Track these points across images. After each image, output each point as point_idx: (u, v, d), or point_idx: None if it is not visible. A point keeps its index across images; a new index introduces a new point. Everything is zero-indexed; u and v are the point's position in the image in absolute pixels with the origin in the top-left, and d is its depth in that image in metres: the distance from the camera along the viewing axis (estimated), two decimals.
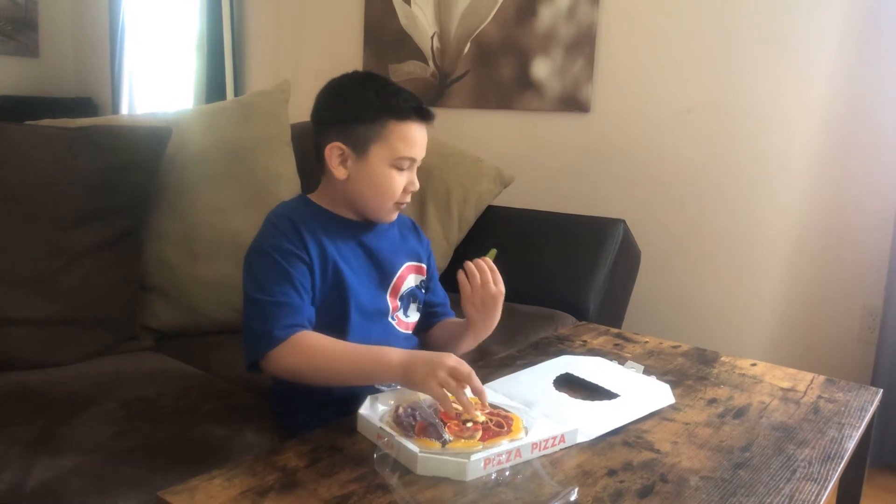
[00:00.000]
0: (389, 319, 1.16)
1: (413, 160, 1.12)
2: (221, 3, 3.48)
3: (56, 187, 1.33)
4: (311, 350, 1.00)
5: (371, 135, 1.08)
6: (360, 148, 1.09)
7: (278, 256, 1.05)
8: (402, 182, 1.12)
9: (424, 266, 1.24)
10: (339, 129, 1.10)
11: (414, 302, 1.21)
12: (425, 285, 1.24)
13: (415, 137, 1.10)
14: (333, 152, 1.10)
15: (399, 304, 1.18)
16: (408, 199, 1.14)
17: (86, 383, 1.21)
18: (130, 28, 3.97)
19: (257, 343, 1.01)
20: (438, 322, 1.26)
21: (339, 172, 1.11)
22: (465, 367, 0.92)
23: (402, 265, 1.19)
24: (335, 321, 1.09)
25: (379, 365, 0.97)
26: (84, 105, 4.26)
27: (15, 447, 0.98)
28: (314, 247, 1.08)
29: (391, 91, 1.11)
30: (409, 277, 1.20)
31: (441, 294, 1.29)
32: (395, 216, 1.17)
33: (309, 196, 1.18)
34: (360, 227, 1.16)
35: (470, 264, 1.09)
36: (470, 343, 1.19)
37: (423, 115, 1.11)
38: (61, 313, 1.33)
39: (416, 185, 1.14)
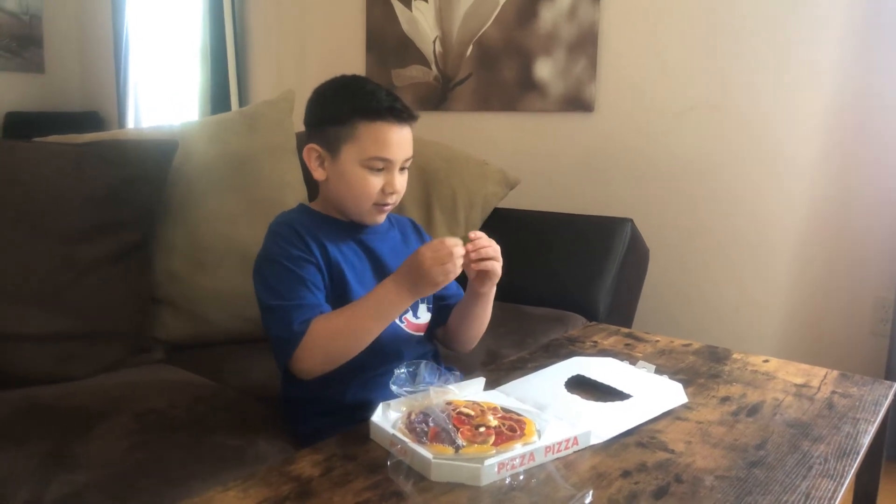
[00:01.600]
0: (398, 322, 1.16)
1: (387, 161, 1.09)
2: (224, 14, 3.50)
3: (64, 202, 1.34)
4: (330, 329, 1.02)
5: (342, 135, 1.09)
6: (332, 149, 1.10)
7: (288, 263, 1.07)
8: (378, 183, 1.10)
9: None
10: (316, 131, 1.13)
11: (423, 302, 1.20)
12: None
13: (387, 138, 1.08)
14: (311, 154, 1.13)
15: None
16: (389, 200, 1.12)
17: (98, 397, 1.22)
18: (134, 41, 3.99)
19: (285, 346, 1.03)
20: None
21: (318, 174, 1.13)
22: (442, 247, 0.98)
23: None
24: None
25: (387, 303, 1.02)
26: (90, 119, 4.29)
27: (30, 463, 0.98)
28: (317, 249, 1.10)
29: (365, 92, 1.10)
30: None
31: (453, 286, 1.26)
32: (380, 218, 1.16)
33: (308, 204, 1.20)
34: (358, 229, 1.17)
35: (483, 257, 1.07)
36: (487, 301, 1.17)
37: (398, 115, 1.09)
38: (72, 327, 1.34)
39: (397, 187, 1.11)
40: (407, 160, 1.13)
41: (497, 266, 1.08)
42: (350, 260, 1.13)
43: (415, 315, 1.19)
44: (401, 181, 1.12)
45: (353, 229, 1.16)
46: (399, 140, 1.10)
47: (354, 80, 1.15)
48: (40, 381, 1.28)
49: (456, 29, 2.83)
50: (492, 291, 1.16)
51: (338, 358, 1.04)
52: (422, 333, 1.21)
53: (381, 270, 1.16)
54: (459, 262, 1.00)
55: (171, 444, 1.07)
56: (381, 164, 1.09)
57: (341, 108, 1.09)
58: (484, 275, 1.09)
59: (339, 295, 1.10)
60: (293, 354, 1.02)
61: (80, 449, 1.03)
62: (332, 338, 1.02)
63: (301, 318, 1.02)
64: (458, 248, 1.00)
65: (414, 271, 1.00)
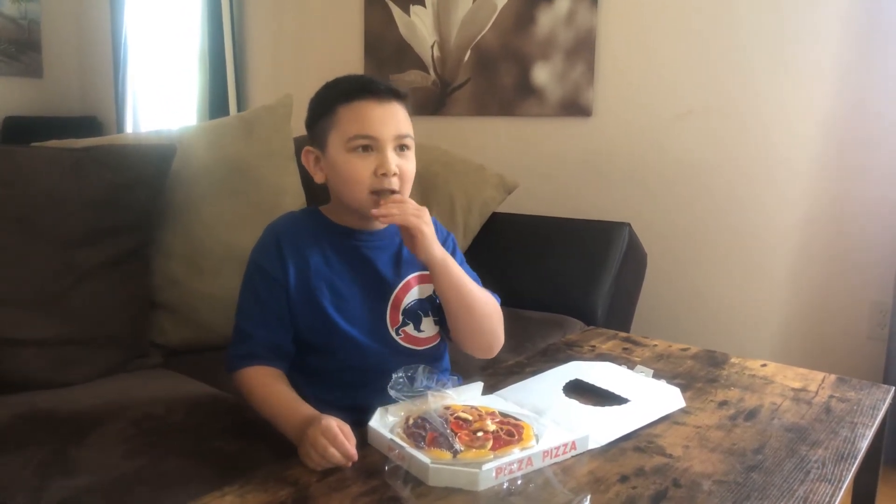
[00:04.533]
0: (393, 335, 1.11)
1: (371, 138, 1.03)
2: (222, 18, 3.50)
3: (63, 207, 1.34)
4: (248, 390, 1.06)
5: (327, 126, 1.07)
6: (322, 143, 1.09)
7: (255, 273, 1.09)
8: (367, 166, 1.03)
9: None
10: (310, 134, 1.12)
11: (427, 315, 1.14)
12: None
13: (365, 114, 1.04)
14: (309, 157, 1.11)
15: (402, 318, 1.11)
16: (386, 184, 1.03)
17: (96, 402, 1.21)
18: (133, 46, 4.00)
19: (227, 361, 1.09)
20: None
21: (318, 176, 1.11)
22: (332, 430, 0.88)
23: (405, 276, 1.13)
24: (322, 337, 1.09)
25: (280, 424, 0.99)
26: (88, 124, 4.29)
27: (27, 469, 0.98)
28: (293, 265, 1.08)
29: (346, 80, 1.10)
30: (414, 290, 1.13)
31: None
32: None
33: (320, 207, 1.17)
34: (360, 237, 1.12)
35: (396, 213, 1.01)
36: (446, 279, 1.05)
37: (376, 92, 1.05)
38: (70, 333, 1.33)
39: (389, 167, 1.02)
40: (401, 137, 1.06)
41: (406, 218, 1.00)
42: (337, 271, 1.09)
43: (417, 329, 1.12)
44: (397, 161, 1.04)
45: (356, 237, 1.12)
46: (382, 116, 1.04)
47: (343, 76, 1.13)
48: (38, 386, 1.28)
49: (454, 34, 2.84)
50: (435, 260, 1.03)
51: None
52: (422, 348, 1.13)
53: (378, 280, 1.11)
54: (323, 462, 0.88)
55: (169, 449, 1.07)
56: (366, 142, 1.03)
57: (323, 101, 1.09)
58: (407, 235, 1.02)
59: (319, 308, 1.08)
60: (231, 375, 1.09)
61: (78, 454, 1.03)
62: (249, 396, 1.06)
63: (239, 349, 1.08)
64: (336, 457, 0.87)
65: (303, 438, 0.91)
